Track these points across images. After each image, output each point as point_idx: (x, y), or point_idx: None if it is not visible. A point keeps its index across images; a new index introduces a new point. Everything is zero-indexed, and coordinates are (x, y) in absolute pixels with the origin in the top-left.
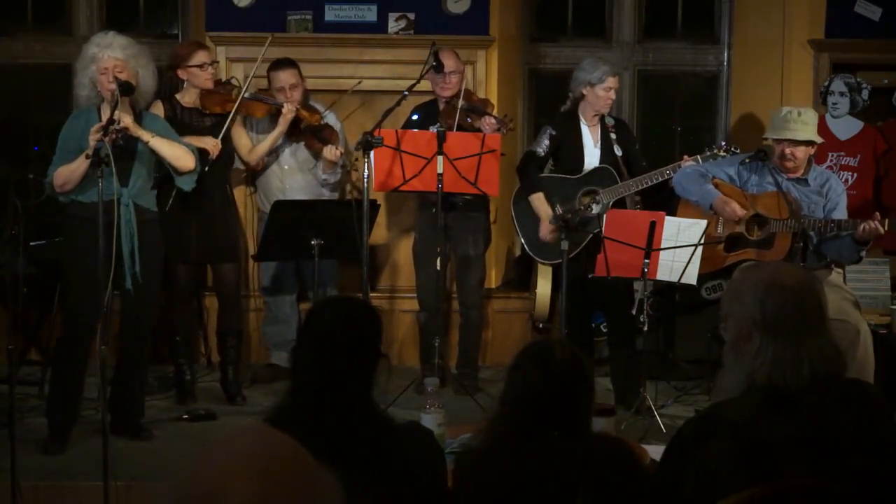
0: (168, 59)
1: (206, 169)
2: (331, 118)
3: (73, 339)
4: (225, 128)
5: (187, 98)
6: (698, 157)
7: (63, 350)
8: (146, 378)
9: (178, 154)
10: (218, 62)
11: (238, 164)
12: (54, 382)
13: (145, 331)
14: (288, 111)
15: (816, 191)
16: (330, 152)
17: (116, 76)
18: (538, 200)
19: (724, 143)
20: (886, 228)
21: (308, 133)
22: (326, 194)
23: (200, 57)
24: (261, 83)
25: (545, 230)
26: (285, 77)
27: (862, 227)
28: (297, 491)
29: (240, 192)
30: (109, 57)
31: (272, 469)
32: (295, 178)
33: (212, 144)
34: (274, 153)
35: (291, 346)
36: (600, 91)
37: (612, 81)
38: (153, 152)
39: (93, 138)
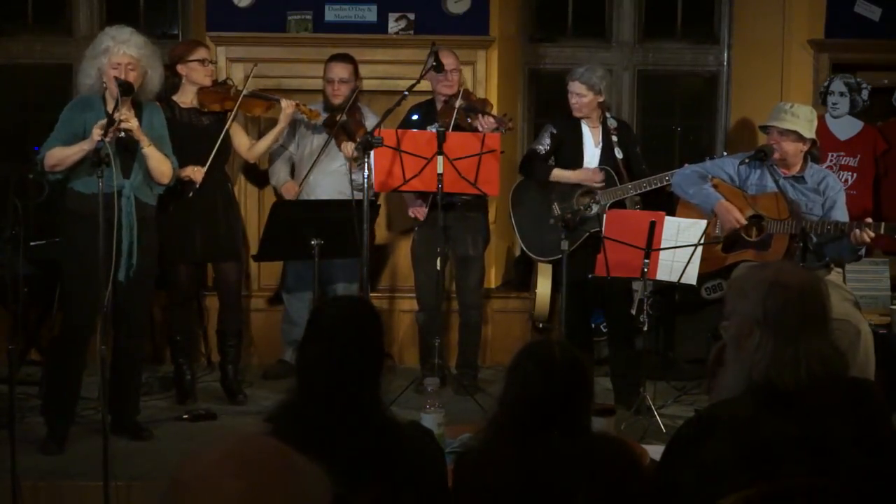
0: (167, 59)
1: (191, 195)
2: (370, 116)
3: (71, 337)
4: (224, 132)
5: (184, 98)
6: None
7: (60, 348)
8: (141, 376)
9: (162, 168)
10: (216, 62)
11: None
12: (51, 381)
13: (139, 328)
14: (287, 106)
15: (813, 189)
16: (346, 148)
17: (116, 76)
18: (562, 173)
19: (724, 154)
20: (882, 233)
21: (340, 128)
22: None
23: (201, 53)
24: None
25: (594, 178)
26: (337, 70)
27: (852, 233)
28: (281, 488)
29: (241, 192)
30: (124, 53)
31: (256, 465)
32: (320, 179)
33: (190, 171)
34: (308, 155)
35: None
36: (568, 93)
37: (571, 85)
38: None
39: (96, 134)
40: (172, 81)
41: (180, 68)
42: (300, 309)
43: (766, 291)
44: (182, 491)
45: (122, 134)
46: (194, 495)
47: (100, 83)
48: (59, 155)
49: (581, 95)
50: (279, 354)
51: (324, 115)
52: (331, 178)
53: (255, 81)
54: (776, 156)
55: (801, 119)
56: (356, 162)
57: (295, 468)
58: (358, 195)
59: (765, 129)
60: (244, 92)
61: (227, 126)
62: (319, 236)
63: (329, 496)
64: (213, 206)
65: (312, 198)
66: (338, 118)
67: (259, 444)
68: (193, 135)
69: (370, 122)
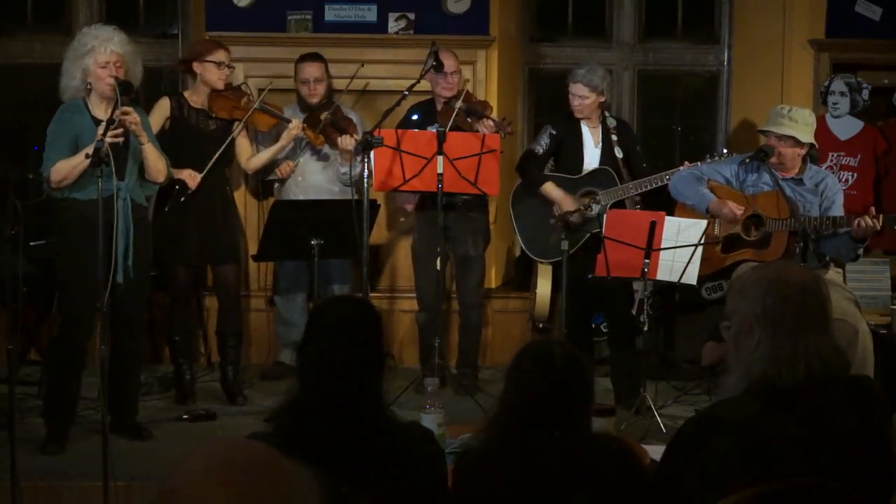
0: (186, 53)
1: (183, 200)
2: (350, 112)
3: (69, 338)
4: (225, 144)
5: (196, 98)
6: (698, 163)
7: (58, 350)
8: (140, 376)
9: (159, 166)
10: (234, 67)
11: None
12: (50, 382)
13: (137, 328)
14: (294, 127)
15: (811, 190)
16: (345, 142)
17: (115, 76)
18: (551, 189)
19: (724, 150)
20: (882, 225)
21: (327, 125)
22: (337, 193)
23: (219, 55)
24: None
25: (570, 205)
26: (311, 70)
27: (857, 222)
28: (270, 494)
29: (240, 193)
30: (112, 51)
31: (244, 472)
32: (312, 177)
33: (187, 175)
34: (293, 154)
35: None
36: (570, 96)
37: (573, 87)
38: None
39: (99, 136)
40: (182, 78)
41: (196, 66)
42: (293, 311)
43: (766, 289)
44: (171, 501)
45: (121, 133)
46: None
47: (84, 84)
48: (65, 168)
49: (584, 97)
50: (277, 355)
51: (301, 116)
52: (321, 177)
53: (257, 82)
54: (774, 159)
55: (800, 123)
56: (356, 156)
57: (283, 473)
58: (347, 189)
59: (763, 132)
60: (255, 106)
61: (232, 135)
62: (319, 236)
63: (319, 500)
64: (210, 208)
65: (301, 197)
66: (322, 117)
67: (246, 449)
68: (197, 136)
69: (352, 117)
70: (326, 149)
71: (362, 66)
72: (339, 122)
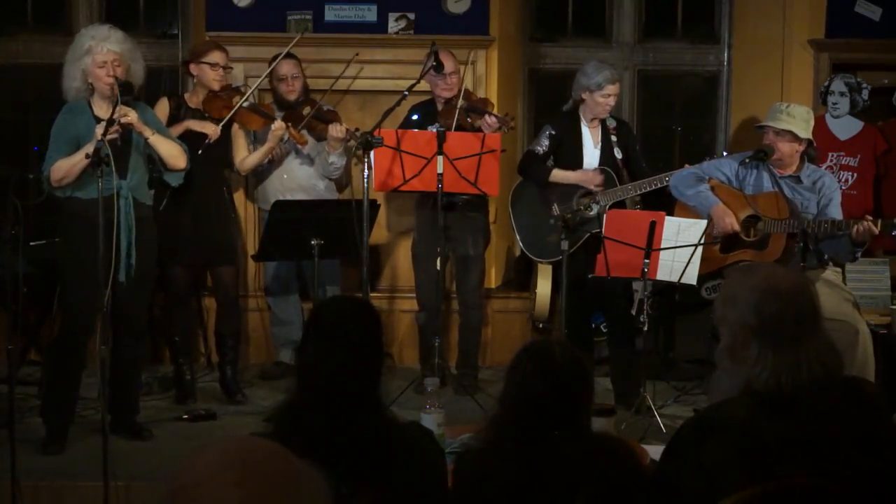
0: (186, 55)
1: (200, 153)
2: (329, 107)
3: (70, 338)
4: (221, 124)
5: (194, 99)
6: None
7: (59, 349)
8: (141, 376)
9: (173, 153)
10: (232, 67)
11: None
12: (50, 382)
13: (140, 327)
14: (277, 128)
15: (809, 188)
16: (335, 129)
17: (116, 76)
18: (560, 174)
19: (725, 153)
20: (880, 229)
21: (311, 119)
22: (322, 190)
23: (215, 56)
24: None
25: (594, 180)
26: (288, 67)
27: (856, 228)
28: (281, 494)
29: (239, 195)
30: (109, 51)
31: (255, 471)
32: (297, 175)
33: (212, 129)
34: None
35: (297, 345)
36: (599, 97)
37: (611, 89)
38: (148, 147)
39: (98, 136)
40: (183, 79)
41: (192, 67)
42: (289, 310)
43: (758, 298)
44: (181, 499)
45: (119, 133)
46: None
47: (85, 85)
48: (65, 166)
49: (616, 95)
50: (276, 355)
51: (280, 114)
52: (305, 175)
53: (257, 82)
54: (773, 155)
55: (798, 119)
56: (348, 143)
57: (296, 472)
58: (332, 185)
59: (761, 128)
60: (242, 103)
61: (222, 121)
62: (319, 236)
63: (328, 500)
64: (207, 209)
65: (289, 197)
66: (305, 112)
67: (257, 448)
68: (193, 136)
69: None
70: (309, 147)
71: (348, 65)
72: (324, 114)
